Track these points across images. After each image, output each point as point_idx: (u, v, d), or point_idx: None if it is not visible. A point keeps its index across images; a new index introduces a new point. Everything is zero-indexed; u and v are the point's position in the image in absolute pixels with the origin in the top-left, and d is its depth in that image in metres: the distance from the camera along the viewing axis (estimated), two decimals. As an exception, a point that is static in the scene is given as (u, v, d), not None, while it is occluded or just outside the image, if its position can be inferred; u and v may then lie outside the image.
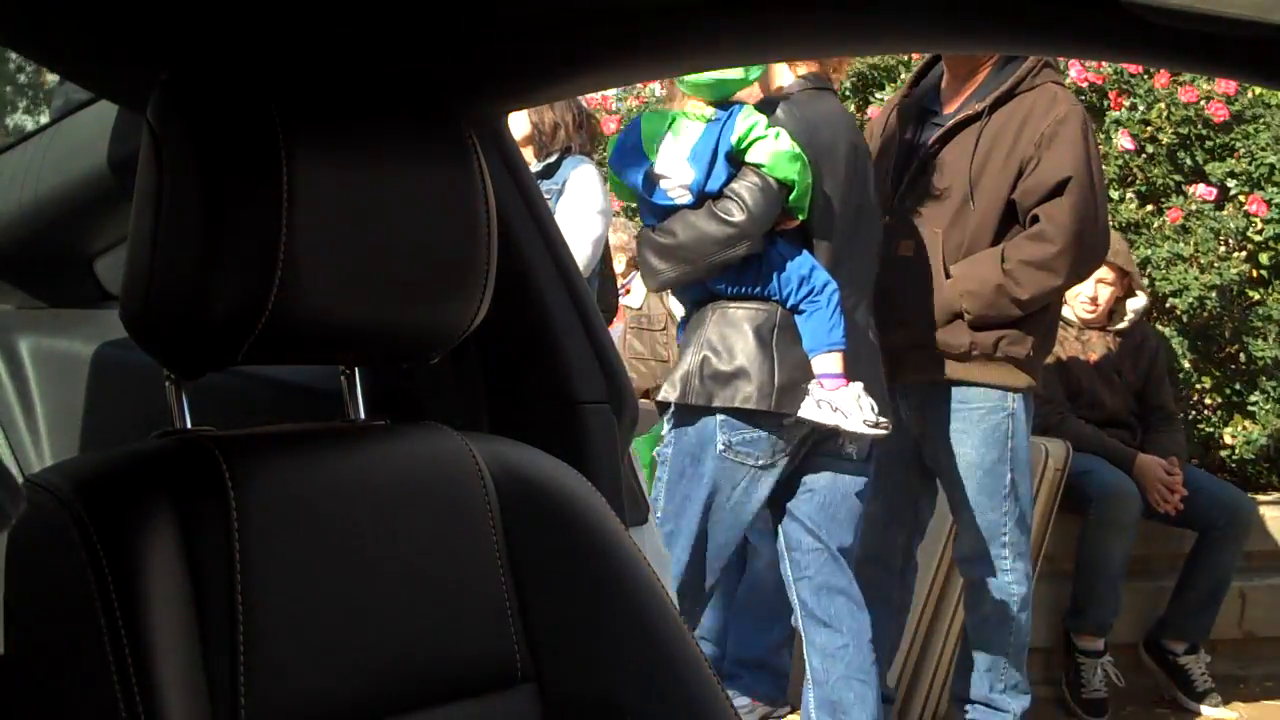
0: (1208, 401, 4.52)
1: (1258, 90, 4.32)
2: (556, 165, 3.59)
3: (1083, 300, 3.71)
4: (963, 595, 3.14)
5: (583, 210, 3.52)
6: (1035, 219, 2.82)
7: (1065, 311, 3.77)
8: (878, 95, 4.61)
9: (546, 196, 3.52)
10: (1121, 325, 3.79)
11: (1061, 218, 2.78)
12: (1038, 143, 2.80)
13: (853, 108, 4.65)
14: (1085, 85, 4.39)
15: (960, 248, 2.87)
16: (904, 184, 2.94)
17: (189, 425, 1.07)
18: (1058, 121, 2.80)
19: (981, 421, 2.88)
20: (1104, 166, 4.30)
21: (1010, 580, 2.95)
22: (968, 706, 3.06)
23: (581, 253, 3.49)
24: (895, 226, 2.92)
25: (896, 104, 3.09)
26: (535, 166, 3.61)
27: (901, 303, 2.88)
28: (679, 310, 3.40)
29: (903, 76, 4.53)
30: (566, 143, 3.60)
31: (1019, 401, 2.89)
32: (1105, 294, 3.71)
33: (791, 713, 3.36)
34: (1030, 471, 3.02)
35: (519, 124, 3.58)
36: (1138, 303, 3.80)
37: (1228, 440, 4.43)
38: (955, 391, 2.89)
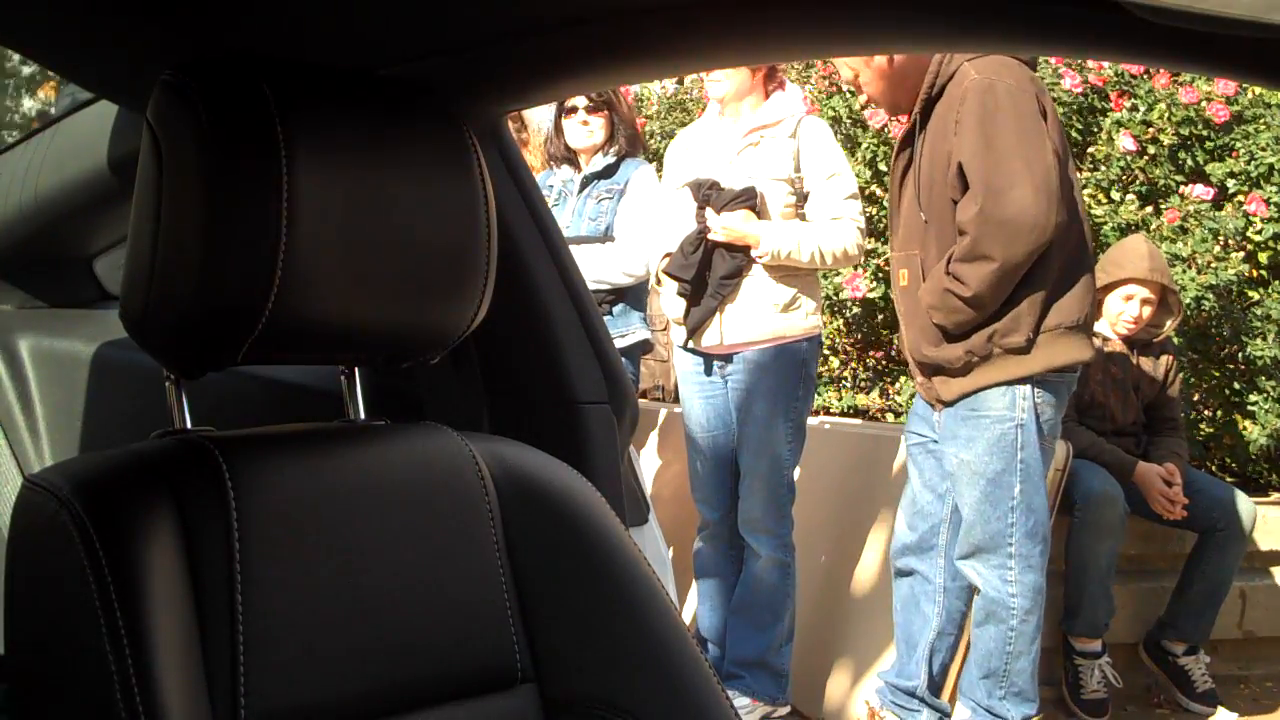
0: (1208, 402, 4.52)
1: (1258, 90, 4.32)
2: (616, 166, 3.62)
3: (1126, 319, 3.70)
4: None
5: (645, 212, 3.53)
6: None
7: (1097, 326, 3.77)
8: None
9: (607, 196, 3.58)
10: (1156, 332, 3.78)
11: (966, 204, 2.72)
12: (955, 135, 2.75)
13: (856, 105, 4.65)
14: (1084, 88, 4.39)
15: (937, 264, 2.85)
16: (894, 216, 3.00)
17: (189, 425, 1.07)
18: (959, 105, 2.73)
19: (988, 430, 2.85)
20: (1106, 168, 4.31)
21: (1012, 592, 2.91)
22: (969, 711, 3.06)
23: (644, 253, 3.50)
24: (895, 259, 2.98)
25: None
26: (596, 166, 3.62)
27: (908, 331, 2.95)
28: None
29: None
30: (628, 145, 3.62)
31: (1029, 411, 2.82)
32: (1146, 312, 3.71)
33: (792, 713, 3.37)
34: (1044, 484, 2.97)
35: (598, 130, 3.60)
36: (1175, 320, 3.80)
37: (1227, 441, 4.43)
38: (968, 399, 2.88)
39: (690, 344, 3.35)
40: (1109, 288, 3.67)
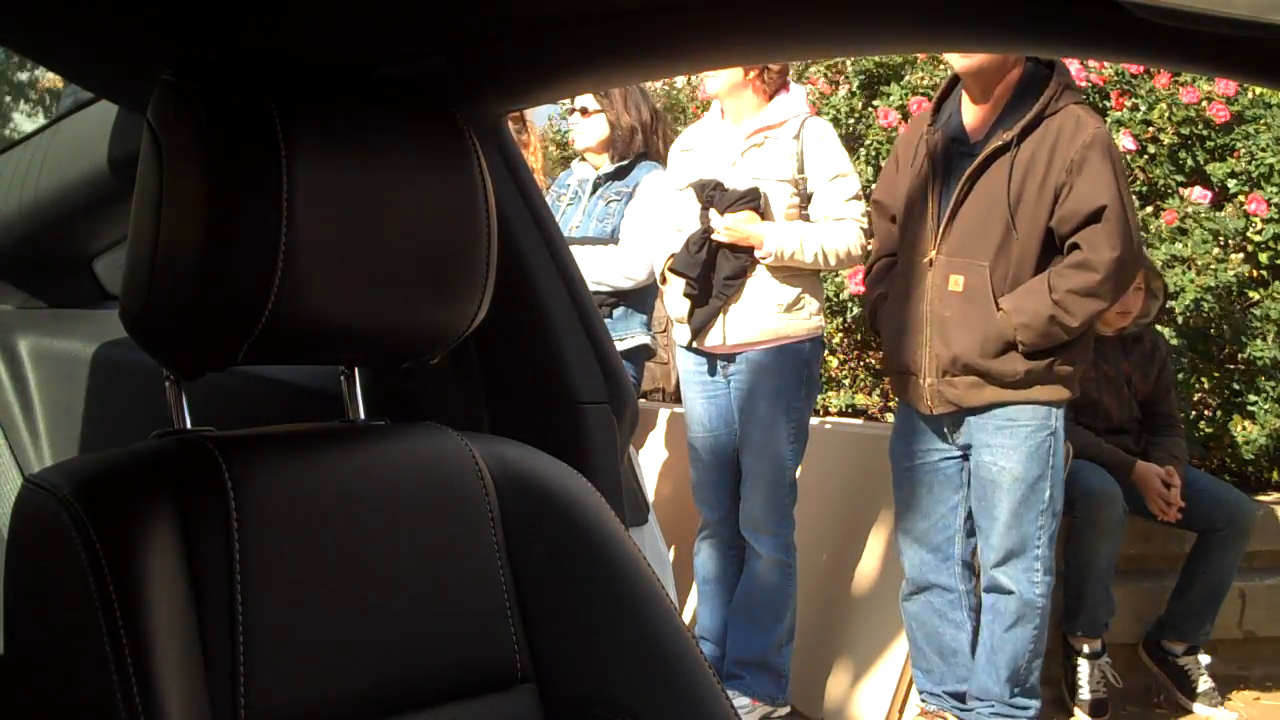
0: (1207, 402, 4.52)
1: (1258, 90, 4.32)
2: (629, 168, 3.62)
3: (1117, 310, 3.70)
4: (982, 603, 3.14)
5: (652, 216, 3.53)
6: (1075, 246, 2.91)
7: None
8: (884, 90, 4.62)
9: (616, 198, 3.59)
10: (1144, 321, 3.78)
11: (1102, 245, 2.87)
12: (1069, 169, 2.88)
13: (859, 104, 4.65)
14: (1086, 85, 4.39)
15: (1007, 278, 2.95)
16: (944, 220, 3.01)
17: (189, 425, 1.07)
18: (1085, 147, 2.87)
19: (1028, 439, 2.97)
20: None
21: (1039, 593, 3.03)
22: (986, 709, 3.08)
23: (647, 258, 3.50)
24: (943, 262, 3.00)
25: (923, 138, 3.13)
26: (608, 168, 3.63)
27: (956, 336, 2.97)
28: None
29: (908, 75, 4.54)
30: (642, 147, 3.62)
31: (1060, 420, 3.00)
32: (1139, 301, 3.71)
33: (792, 713, 3.36)
34: (1062, 486, 3.08)
35: (597, 127, 3.61)
36: (1159, 304, 3.80)
37: (1227, 441, 4.43)
38: (1004, 409, 2.98)
39: (694, 344, 3.35)
40: None
